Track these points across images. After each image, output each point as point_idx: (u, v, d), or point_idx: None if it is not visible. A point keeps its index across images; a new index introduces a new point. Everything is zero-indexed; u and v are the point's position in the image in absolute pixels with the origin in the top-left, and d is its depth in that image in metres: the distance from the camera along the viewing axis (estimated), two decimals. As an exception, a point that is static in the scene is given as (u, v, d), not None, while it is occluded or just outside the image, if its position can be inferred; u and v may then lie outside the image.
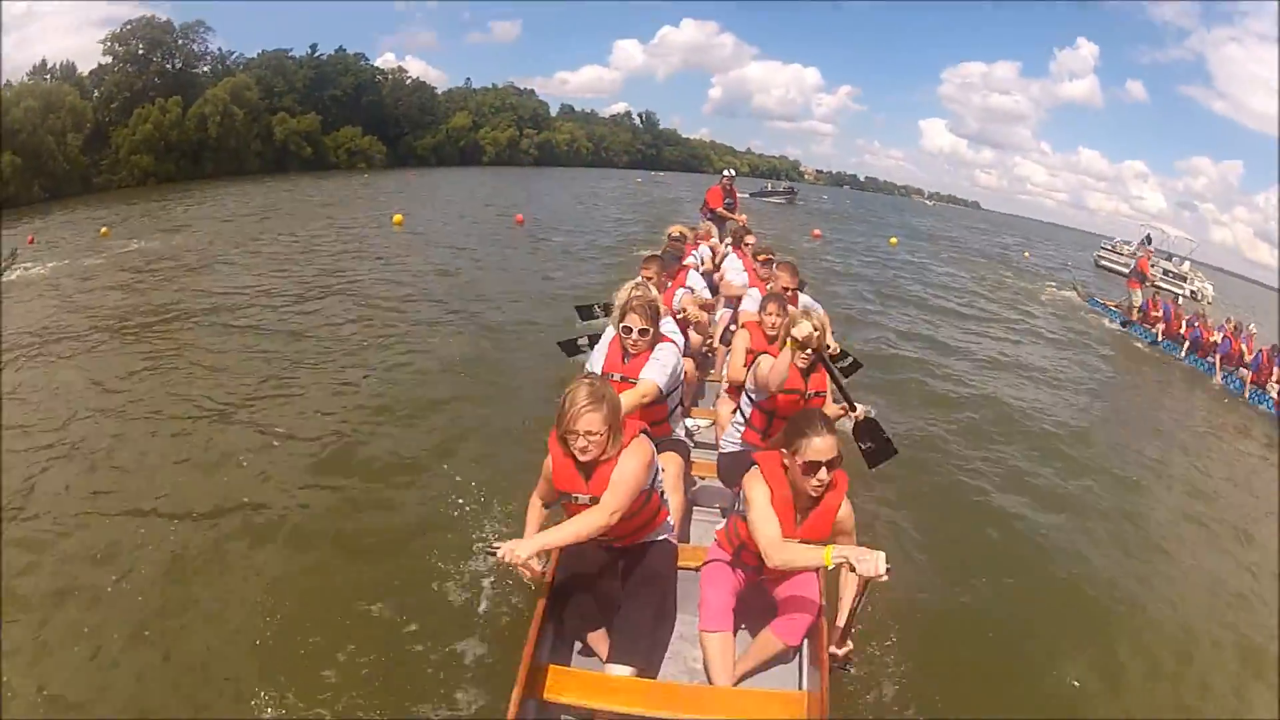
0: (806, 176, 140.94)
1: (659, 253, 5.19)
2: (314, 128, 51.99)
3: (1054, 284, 19.48)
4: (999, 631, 3.60)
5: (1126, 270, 31.54)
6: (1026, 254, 33.12)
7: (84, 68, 43.67)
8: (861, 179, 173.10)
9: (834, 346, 2.81)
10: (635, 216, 24.04)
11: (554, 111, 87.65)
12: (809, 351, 3.08)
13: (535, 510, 2.61)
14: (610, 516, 2.23)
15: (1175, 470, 6.67)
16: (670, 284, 4.83)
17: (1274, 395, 9.62)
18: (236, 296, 9.78)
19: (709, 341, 5.33)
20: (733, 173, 9.67)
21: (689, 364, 4.29)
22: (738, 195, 9.43)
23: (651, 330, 3.05)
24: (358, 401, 6.02)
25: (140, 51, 45.49)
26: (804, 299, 4.47)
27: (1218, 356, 10.63)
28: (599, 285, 10.18)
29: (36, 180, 36.39)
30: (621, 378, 3.05)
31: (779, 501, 2.34)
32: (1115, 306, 14.93)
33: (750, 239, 6.57)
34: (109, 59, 44.83)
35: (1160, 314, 12.59)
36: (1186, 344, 11.48)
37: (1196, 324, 11.63)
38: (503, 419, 5.53)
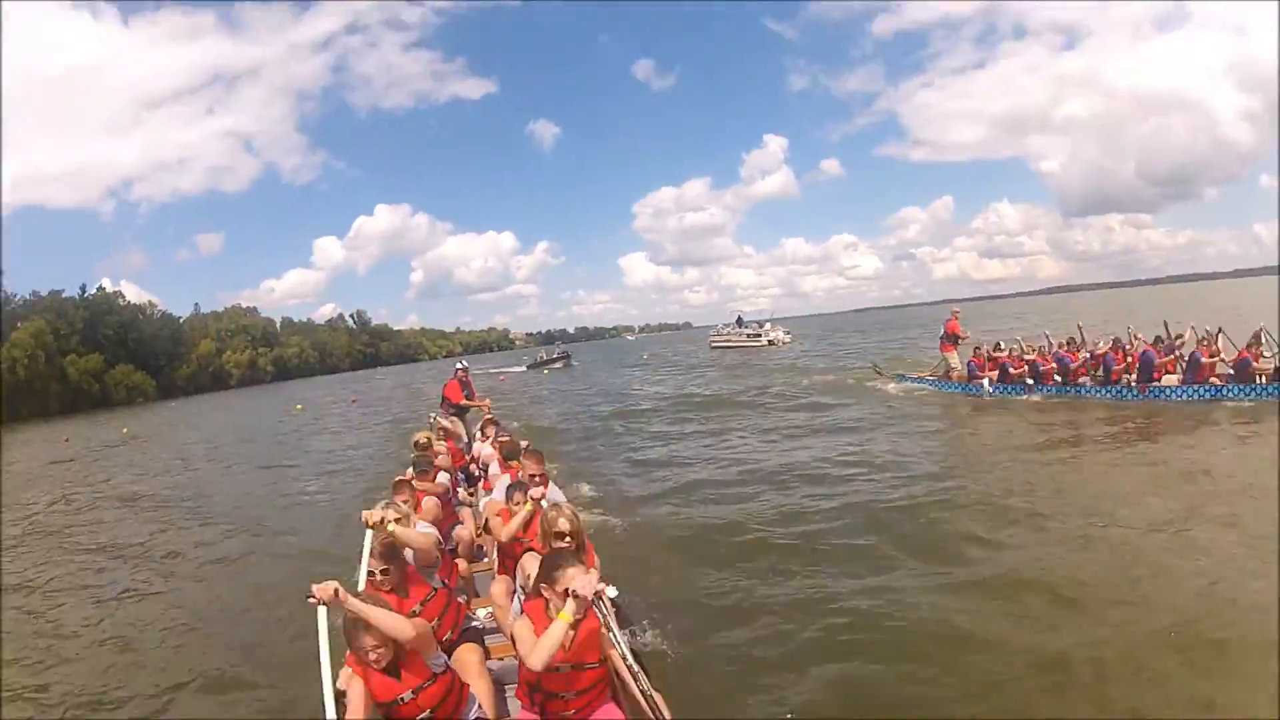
0: (517, 342, 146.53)
1: (404, 477, 5.11)
2: (99, 367, 55.99)
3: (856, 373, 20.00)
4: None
5: (733, 345, 43.69)
6: (645, 354, 49.42)
7: None
8: (572, 330, 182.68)
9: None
10: (400, 395, 37.82)
11: (279, 326, 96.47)
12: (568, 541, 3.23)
13: None
14: (411, 630, 2.51)
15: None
16: (424, 490, 5.05)
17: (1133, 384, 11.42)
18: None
19: (478, 534, 5.45)
20: (465, 364, 10.45)
21: (462, 564, 4.75)
22: (473, 384, 10.24)
23: (392, 569, 3.12)
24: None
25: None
26: (552, 491, 4.51)
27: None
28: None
29: None
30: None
31: (541, 630, 2.57)
32: (929, 375, 15.33)
33: (491, 429, 7.00)
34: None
35: (987, 361, 13.60)
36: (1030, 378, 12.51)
37: (1032, 356, 12.85)
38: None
